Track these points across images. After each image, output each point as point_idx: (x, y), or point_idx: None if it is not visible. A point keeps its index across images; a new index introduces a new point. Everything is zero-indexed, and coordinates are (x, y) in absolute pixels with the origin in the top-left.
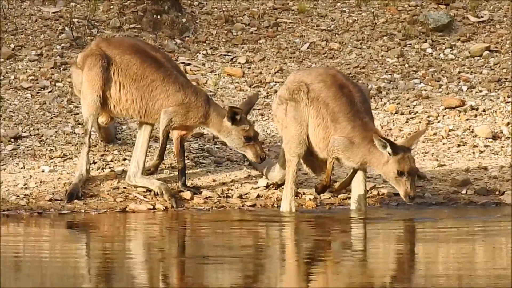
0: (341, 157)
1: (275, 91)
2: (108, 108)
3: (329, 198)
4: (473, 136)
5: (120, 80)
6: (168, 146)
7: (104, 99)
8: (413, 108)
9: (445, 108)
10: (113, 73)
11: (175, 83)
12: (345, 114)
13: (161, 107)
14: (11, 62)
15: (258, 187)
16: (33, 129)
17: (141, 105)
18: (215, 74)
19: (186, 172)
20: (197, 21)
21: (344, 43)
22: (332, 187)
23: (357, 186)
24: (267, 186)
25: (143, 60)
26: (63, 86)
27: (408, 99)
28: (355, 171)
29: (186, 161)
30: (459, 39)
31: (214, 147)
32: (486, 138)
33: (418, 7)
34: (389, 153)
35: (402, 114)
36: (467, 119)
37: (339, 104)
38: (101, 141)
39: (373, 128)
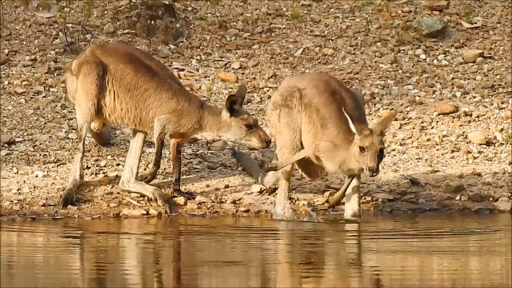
0: (322, 157)
1: (269, 97)
2: (103, 116)
3: (323, 203)
4: (467, 142)
5: (115, 89)
6: (162, 152)
7: (99, 107)
8: (407, 114)
9: (439, 114)
10: (108, 82)
11: (169, 91)
12: (334, 120)
13: (155, 115)
14: (5, 67)
15: (252, 193)
16: (27, 134)
17: (135, 114)
18: (209, 80)
19: (180, 177)
20: (191, 27)
21: (337, 49)
22: (329, 197)
23: (351, 191)
24: (260, 192)
25: (137, 69)
26: (57, 91)
27: (401, 105)
28: (350, 181)
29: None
30: (452, 45)
31: (208, 152)
32: (480, 144)
33: (411, 13)
34: (354, 130)
35: (395, 120)
36: (460, 125)
37: (329, 110)
38: (95, 146)
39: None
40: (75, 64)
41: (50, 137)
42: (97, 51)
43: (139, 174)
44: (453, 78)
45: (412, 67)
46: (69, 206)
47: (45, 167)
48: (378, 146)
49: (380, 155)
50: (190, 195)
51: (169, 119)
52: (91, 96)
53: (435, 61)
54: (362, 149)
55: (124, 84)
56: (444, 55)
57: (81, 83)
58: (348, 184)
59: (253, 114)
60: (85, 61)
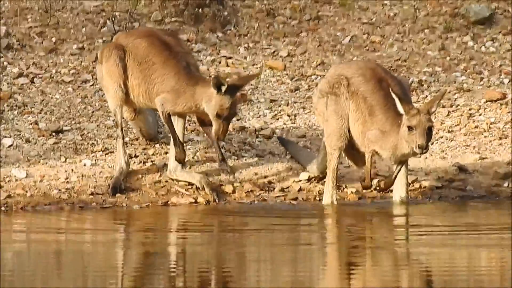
0: (376, 148)
1: (317, 84)
2: (129, 98)
3: (371, 191)
4: None
5: (130, 65)
6: (204, 137)
7: (125, 88)
8: (455, 101)
9: (487, 101)
10: (128, 60)
11: (174, 67)
12: (381, 107)
13: (158, 92)
14: (53, 56)
15: (300, 181)
16: (75, 123)
17: (144, 89)
18: (257, 68)
19: (223, 153)
20: (239, 14)
21: (385, 36)
22: (378, 185)
23: (399, 179)
24: (309, 179)
25: (151, 42)
26: None
27: (449, 92)
28: (400, 168)
29: (228, 155)
30: (500, 32)
31: (256, 140)
32: None
33: (459, 0)
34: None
35: (443, 107)
36: (508, 112)
37: (376, 97)
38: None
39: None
40: (99, 52)
41: (98, 125)
42: (120, 36)
43: (186, 161)
44: (500, 65)
45: (460, 54)
46: (117, 194)
47: (93, 156)
48: (426, 124)
49: (429, 133)
50: (231, 169)
51: (165, 98)
52: (115, 77)
53: (482, 48)
54: (410, 128)
55: (137, 58)
56: (492, 42)
57: (104, 67)
58: (398, 171)
59: (300, 102)
60: (107, 46)
